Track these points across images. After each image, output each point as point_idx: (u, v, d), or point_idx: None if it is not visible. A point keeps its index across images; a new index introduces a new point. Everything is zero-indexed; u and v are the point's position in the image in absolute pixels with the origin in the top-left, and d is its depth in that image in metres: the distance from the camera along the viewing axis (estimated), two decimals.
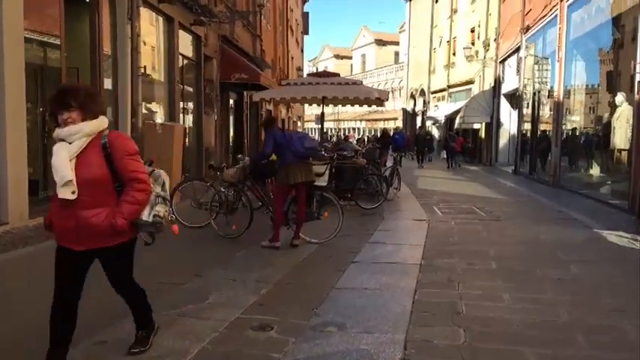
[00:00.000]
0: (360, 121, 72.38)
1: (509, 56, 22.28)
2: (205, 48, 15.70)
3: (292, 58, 37.03)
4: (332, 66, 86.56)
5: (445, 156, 26.71)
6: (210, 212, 8.06)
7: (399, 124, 48.85)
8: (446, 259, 6.73)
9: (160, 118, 12.72)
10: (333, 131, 61.88)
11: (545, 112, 17.35)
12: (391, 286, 5.49)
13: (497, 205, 11.75)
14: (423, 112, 41.23)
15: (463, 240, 7.99)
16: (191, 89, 15.18)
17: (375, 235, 8.43)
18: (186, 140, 13.29)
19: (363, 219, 10.01)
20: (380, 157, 21.35)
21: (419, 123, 43.46)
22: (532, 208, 11.67)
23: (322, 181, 7.43)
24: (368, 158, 11.90)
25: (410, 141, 30.23)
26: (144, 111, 12.16)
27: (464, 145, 28.31)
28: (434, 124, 38.84)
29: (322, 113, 17.69)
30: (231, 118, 19.91)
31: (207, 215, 8.13)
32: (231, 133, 20.23)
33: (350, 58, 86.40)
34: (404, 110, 47.34)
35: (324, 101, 17.23)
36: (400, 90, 53.56)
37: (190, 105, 15.24)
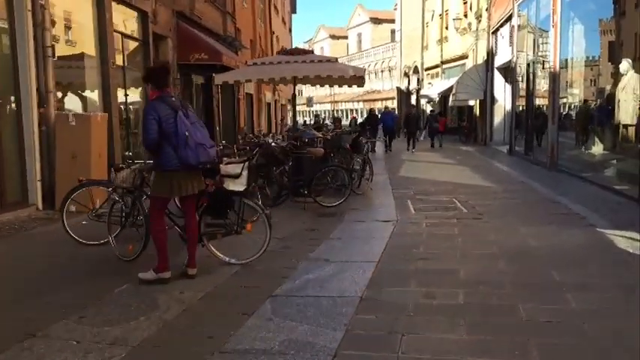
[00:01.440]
0: (358, 102, 70.11)
1: (501, 26, 20.21)
2: (155, 26, 13.75)
3: (278, 38, 34.90)
4: (328, 47, 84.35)
5: (427, 136, 25.64)
6: (108, 226, 6.22)
7: (395, 103, 46.79)
8: (398, 288, 4.89)
9: (93, 107, 10.85)
10: (328, 113, 59.82)
11: (541, 85, 15.36)
12: (301, 348, 3.66)
13: (484, 197, 9.88)
14: (418, 91, 39.18)
15: (430, 252, 6.14)
16: (138, 73, 13.26)
17: (321, 246, 6.58)
18: (118, 131, 11.42)
19: (317, 222, 8.17)
20: (368, 140, 19.71)
21: (414, 102, 41.43)
22: (524, 199, 9.79)
23: (239, 185, 5.55)
24: (329, 147, 10.01)
25: (400, 122, 28.30)
26: (68, 99, 10.33)
27: (447, 125, 27.17)
28: (428, 102, 36.80)
29: (294, 95, 15.84)
30: (198, 104, 17.97)
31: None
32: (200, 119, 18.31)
33: (346, 38, 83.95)
34: (398, 89, 45.24)
35: (295, 82, 15.41)
36: (396, 69, 51.37)
37: (139, 90, 13.33)
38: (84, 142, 8.61)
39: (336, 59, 15.53)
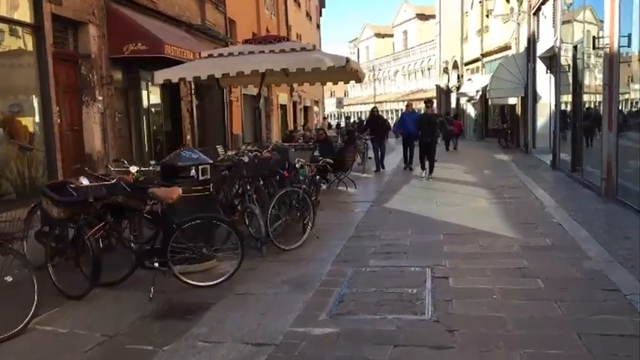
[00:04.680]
0: (403, 101, 65.16)
1: (543, 3, 15.43)
2: (60, 7, 10.03)
3: (299, 35, 30.88)
4: (373, 45, 79.74)
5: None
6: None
7: (435, 103, 41.93)
8: None
9: None
10: (365, 115, 55.35)
11: (593, 76, 10.68)
12: None
13: (485, 272, 5.49)
14: (457, 88, 34.28)
15: None
16: (25, 70, 9.56)
17: None
18: None
19: (151, 326, 4.17)
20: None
21: (453, 101, 36.54)
22: (561, 283, 5.27)
23: None
24: (216, 179, 5.97)
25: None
26: None
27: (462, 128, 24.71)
28: (468, 100, 31.93)
29: (259, 94, 11.91)
30: (153, 108, 14.17)
31: None
32: (161, 127, 14.58)
33: (392, 36, 79.09)
34: (437, 87, 40.32)
35: (263, 79, 11.57)
36: (435, 65, 46.47)
37: (25, 94, 9.61)
38: None
39: (314, 46, 11.41)
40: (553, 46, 13.94)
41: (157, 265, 4.99)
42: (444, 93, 38.53)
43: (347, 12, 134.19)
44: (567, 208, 8.45)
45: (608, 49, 8.77)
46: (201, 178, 5.63)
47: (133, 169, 6.17)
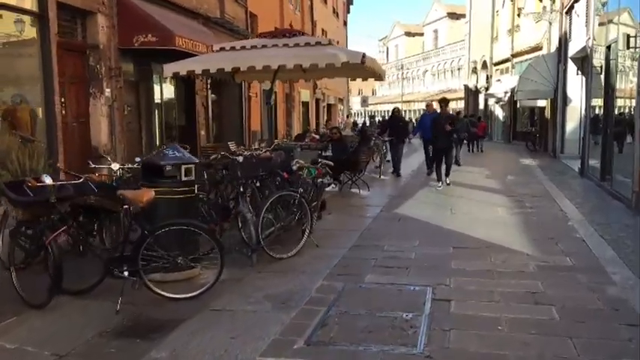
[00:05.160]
0: (431, 101, 63.96)
1: (576, 0, 14.55)
2: None
3: (324, 31, 30.30)
4: (403, 44, 78.60)
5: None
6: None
7: (462, 104, 40.89)
8: None
9: None
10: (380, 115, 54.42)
11: (628, 78, 9.87)
12: None
13: (495, 297, 4.84)
14: (486, 89, 33.27)
15: None
16: (28, 60, 9.23)
17: None
18: None
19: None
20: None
21: (481, 102, 35.51)
22: (577, 307, 4.62)
23: None
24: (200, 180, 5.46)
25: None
26: None
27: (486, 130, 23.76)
28: (497, 102, 30.94)
29: (271, 89, 11.43)
30: (166, 102, 13.76)
31: None
32: (175, 122, 14.20)
33: (422, 35, 77.80)
34: (465, 87, 39.29)
35: (276, 74, 11.11)
36: (464, 65, 45.37)
37: (28, 85, 9.28)
38: None
39: (329, 41, 10.86)
40: (585, 47, 13.09)
41: (126, 274, 4.50)
42: (472, 94, 37.51)
43: (377, 10, 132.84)
44: (593, 221, 7.72)
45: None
46: (184, 178, 5.13)
47: (115, 166, 5.71)
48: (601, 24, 11.51)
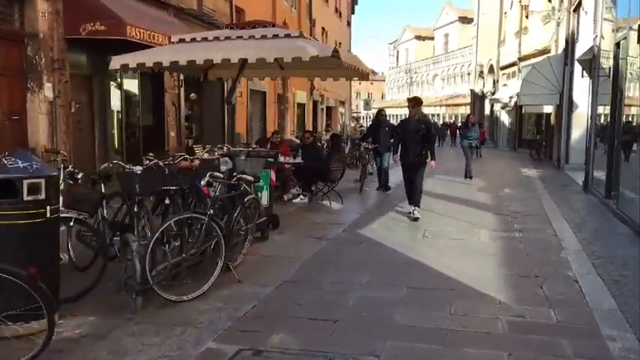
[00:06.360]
0: (440, 106, 62.18)
1: None
2: None
3: (325, 31, 28.92)
4: (413, 48, 77.01)
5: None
6: None
7: (468, 109, 39.25)
8: None
9: None
10: (397, 118, 52.70)
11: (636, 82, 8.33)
12: None
13: None
14: (493, 94, 31.66)
15: None
16: None
17: None
18: None
19: None
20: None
21: (487, 108, 33.91)
22: None
23: None
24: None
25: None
26: None
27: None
28: (502, 107, 29.32)
29: (234, 87, 10.11)
30: (127, 99, 12.38)
31: None
32: (138, 122, 12.85)
33: (432, 39, 76.11)
34: (472, 92, 37.67)
35: (241, 70, 9.80)
36: (470, 70, 43.75)
37: None
38: None
39: (300, 33, 9.44)
40: (592, 47, 11.55)
41: None
42: (478, 99, 35.90)
43: (385, 12, 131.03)
44: (592, 253, 6.22)
45: None
46: (28, 198, 3.75)
47: None
48: (609, 20, 10.03)
